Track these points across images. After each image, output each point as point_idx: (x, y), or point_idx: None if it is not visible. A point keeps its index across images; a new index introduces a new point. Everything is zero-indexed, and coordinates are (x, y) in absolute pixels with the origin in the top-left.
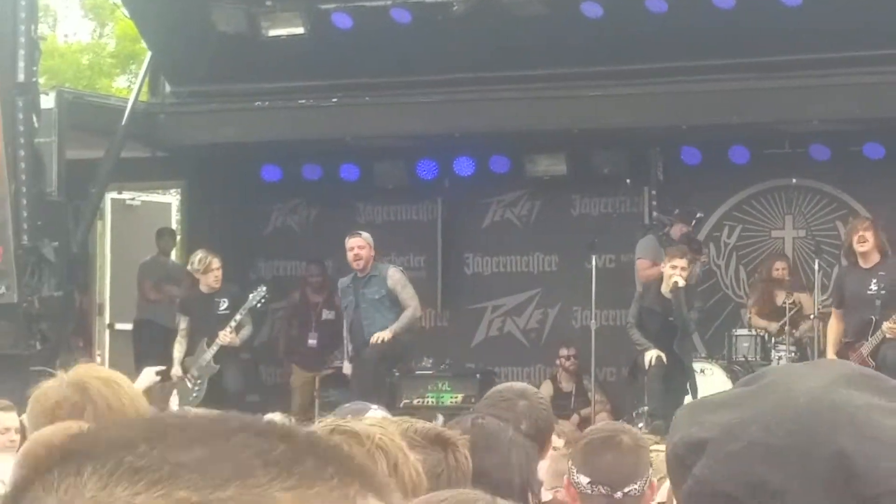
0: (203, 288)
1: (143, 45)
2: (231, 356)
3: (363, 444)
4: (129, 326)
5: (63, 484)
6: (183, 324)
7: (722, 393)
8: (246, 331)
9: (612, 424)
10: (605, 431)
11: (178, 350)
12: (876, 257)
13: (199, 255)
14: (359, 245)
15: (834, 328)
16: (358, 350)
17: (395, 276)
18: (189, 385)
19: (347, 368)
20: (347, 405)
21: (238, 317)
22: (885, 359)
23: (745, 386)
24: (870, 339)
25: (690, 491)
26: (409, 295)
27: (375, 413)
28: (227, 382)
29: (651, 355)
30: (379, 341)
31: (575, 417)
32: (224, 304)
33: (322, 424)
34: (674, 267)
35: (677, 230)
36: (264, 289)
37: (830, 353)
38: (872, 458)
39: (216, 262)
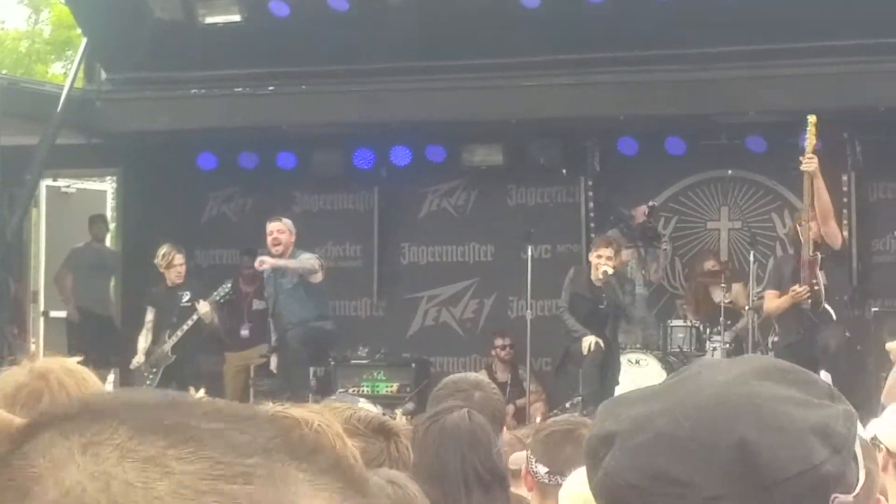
0: (168, 282)
1: (79, 31)
2: (189, 347)
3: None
4: (63, 314)
5: (88, 430)
6: (149, 315)
7: (645, 387)
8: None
9: (574, 418)
10: (566, 424)
11: (143, 341)
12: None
13: (163, 249)
14: (278, 230)
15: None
16: (280, 339)
17: (309, 260)
18: (144, 374)
19: (273, 361)
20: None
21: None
22: (826, 346)
23: (665, 381)
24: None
25: (600, 483)
26: (313, 261)
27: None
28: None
29: (589, 341)
30: (261, 265)
31: (510, 408)
32: (186, 297)
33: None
34: (599, 256)
35: (637, 220)
36: (228, 285)
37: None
38: (773, 447)
39: (179, 258)
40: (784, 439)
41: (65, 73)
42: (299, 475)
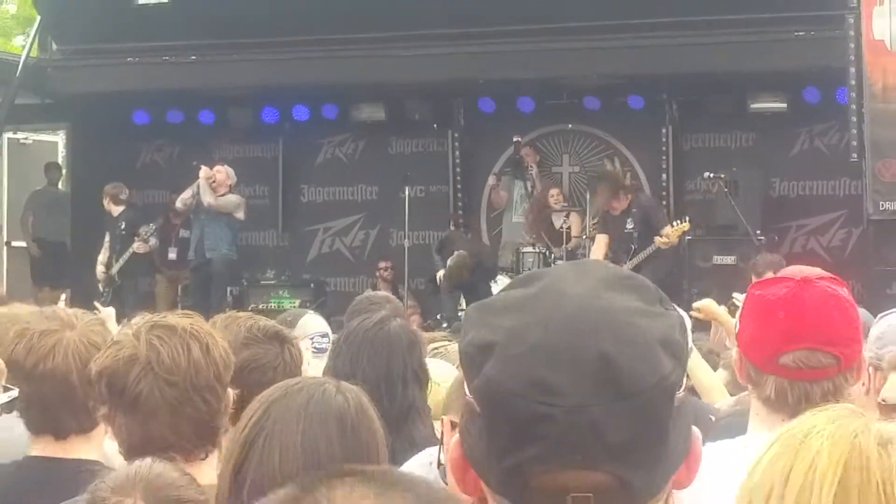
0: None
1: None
2: (129, 271)
3: (178, 333)
4: (23, 244)
5: (379, 488)
6: (107, 238)
7: (505, 294)
8: (153, 240)
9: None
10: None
11: (101, 257)
12: (625, 205)
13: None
14: (216, 170)
15: (600, 247)
16: (200, 262)
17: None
18: (101, 292)
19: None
20: (287, 313)
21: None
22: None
23: (523, 287)
24: (628, 261)
25: (480, 387)
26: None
27: (312, 317)
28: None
29: (440, 274)
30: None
31: None
32: (123, 226)
33: (143, 321)
34: None
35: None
36: (152, 226)
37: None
38: (629, 358)
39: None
40: (637, 352)
41: (23, 45)
42: None
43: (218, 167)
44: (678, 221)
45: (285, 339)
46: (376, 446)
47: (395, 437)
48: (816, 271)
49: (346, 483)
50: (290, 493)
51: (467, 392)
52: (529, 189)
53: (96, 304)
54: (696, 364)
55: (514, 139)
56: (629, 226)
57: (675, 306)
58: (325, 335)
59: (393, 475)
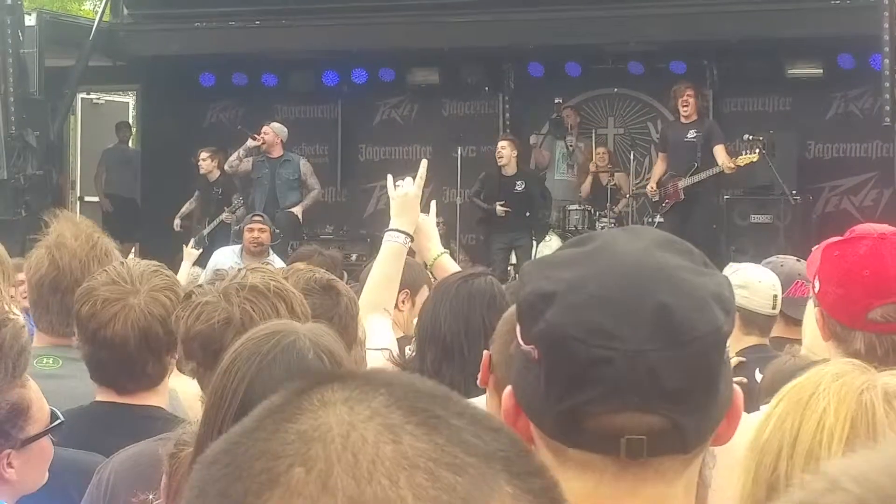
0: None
1: None
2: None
3: (266, 296)
4: (95, 199)
5: (358, 388)
6: (195, 195)
7: (561, 252)
8: (240, 212)
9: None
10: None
11: (186, 209)
12: (694, 116)
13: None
14: (264, 132)
15: (659, 167)
16: (272, 215)
17: (305, 167)
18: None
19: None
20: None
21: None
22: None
23: (577, 247)
24: (686, 177)
25: (543, 332)
26: (315, 181)
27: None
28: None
29: (501, 211)
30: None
31: None
32: (220, 191)
33: (230, 282)
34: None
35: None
36: (241, 199)
37: (653, 183)
38: (686, 309)
39: (204, 155)
40: (693, 304)
41: (94, 8)
42: (506, 487)
43: (264, 128)
44: (746, 151)
45: (340, 291)
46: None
47: (467, 391)
48: (886, 227)
49: (328, 387)
50: (273, 404)
51: (521, 342)
52: (570, 149)
53: (187, 247)
54: None
55: (556, 101)
56: (691, 135)
57: (717, 269)
58: None
59: (370, 374)
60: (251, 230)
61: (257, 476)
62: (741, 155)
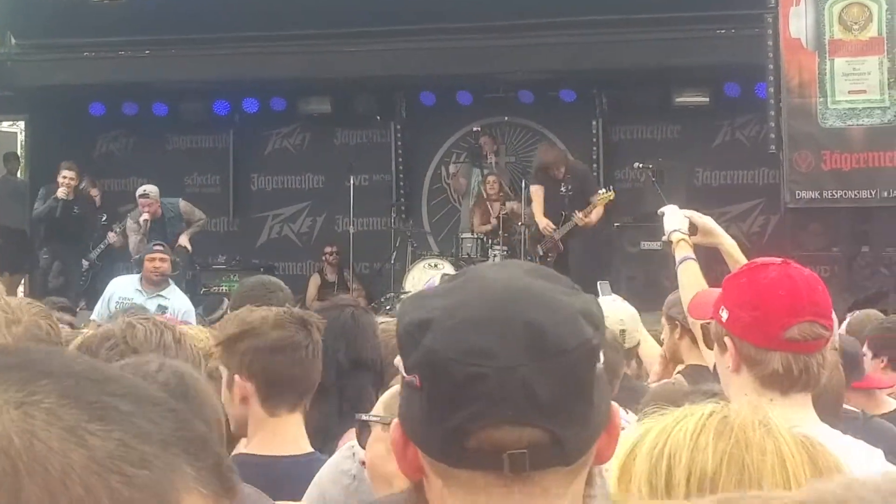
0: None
1: None
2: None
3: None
4: None
5: (26, 388)
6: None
7: (436, 286)
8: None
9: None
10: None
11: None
12: (562, 172)
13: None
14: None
15: (537, 199)
16: None
17: (185, 206)
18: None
19: None
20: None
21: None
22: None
23: (451, 281)
24: (560, 227)
25: (421, 358)
26: (198, 214)
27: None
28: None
29: None
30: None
31: None
32: (104, 217)
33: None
34: None
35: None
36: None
37: (545, 220)
38: (554, 324)
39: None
40: (561, 319)
41: None
42: (188, 469)
43: (144, 202)
44: (604, 190)
45: (310, 324)
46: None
47: None
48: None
49: None
50: None
51: (404, 373)
52: (486, 176)
53: None
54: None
55: (474, 128)
56: (563, 189)
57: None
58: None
59: (29, 363)
60: (152, 259)
61: None
62: (598, 195)
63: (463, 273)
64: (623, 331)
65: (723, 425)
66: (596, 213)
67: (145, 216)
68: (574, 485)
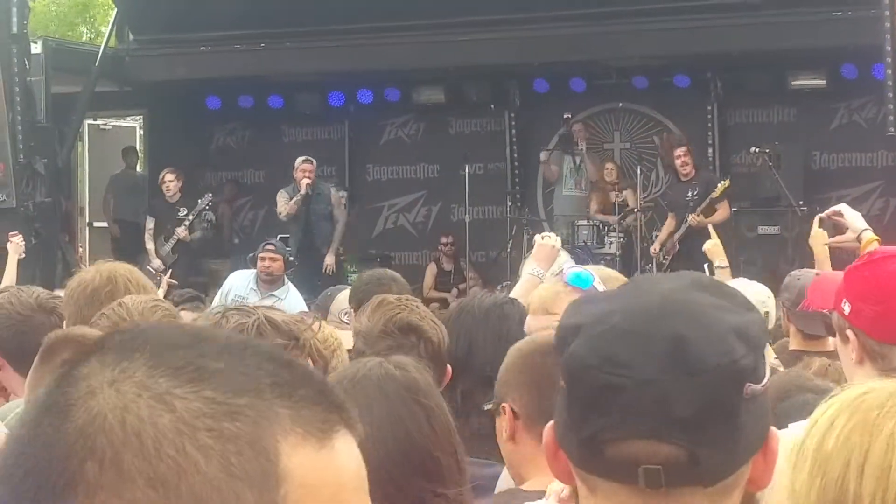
0: (165, 197)
1: None
2: (184, 249)
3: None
4: (104, 224)
5: (118, 366)
6: (150, 223)
7: (606, 291)
8: (197, 234)
9: None
10: None
11: (149, 243)
12: (693, 172)
13: (162, 173)
14: (310, 170)
15: (668, 225)
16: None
17: (335, 197)
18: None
19: None
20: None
21: (190, 217)
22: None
23: (625, 287)
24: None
25: (566, 361)
26: (340, 213)
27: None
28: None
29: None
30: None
31: (454, 291)
32: (183, 212)
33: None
34: None
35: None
36: (210, 195)
37: (657, 245)
38: (701, 341)
39: (169, 177)
40: (710, 336)
41: (89, 36)
42: (282, 412)
43: (305, 167)
44: (721, 183)
45: (419, 330)
46: None
47: None
48: None
49: (88, 368)
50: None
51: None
52: (578, 164)
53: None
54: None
55: (565, 116)
56: (690, 194)
57: (760, 313)
58: None
59: (125, 341)
60: (263, 259)
61: (57, 479)
62: (717, 188)
63: (632, 280)
64: (766, 312)
65: None
66: (722, 210)
67: (307, 180)
68: None
